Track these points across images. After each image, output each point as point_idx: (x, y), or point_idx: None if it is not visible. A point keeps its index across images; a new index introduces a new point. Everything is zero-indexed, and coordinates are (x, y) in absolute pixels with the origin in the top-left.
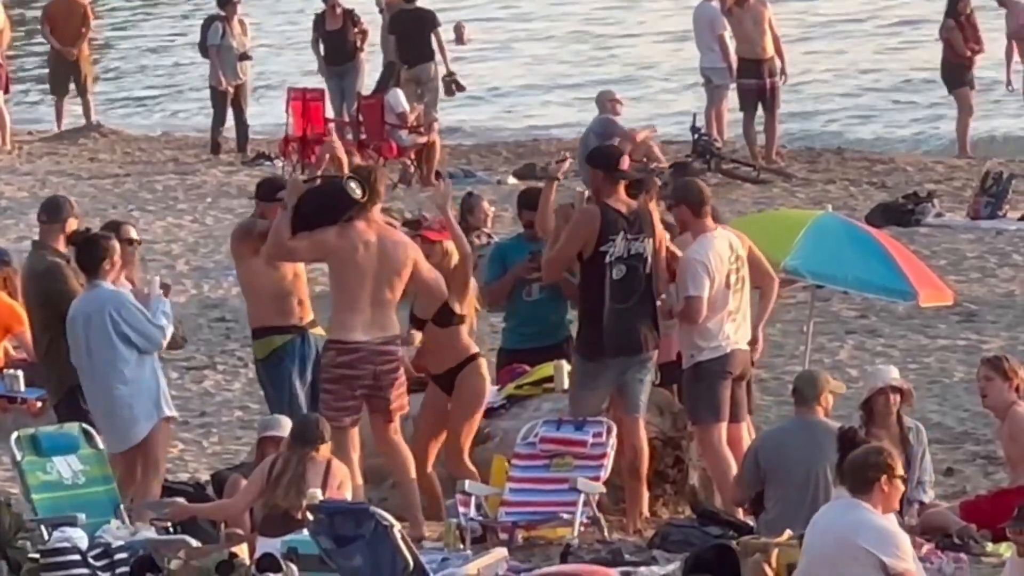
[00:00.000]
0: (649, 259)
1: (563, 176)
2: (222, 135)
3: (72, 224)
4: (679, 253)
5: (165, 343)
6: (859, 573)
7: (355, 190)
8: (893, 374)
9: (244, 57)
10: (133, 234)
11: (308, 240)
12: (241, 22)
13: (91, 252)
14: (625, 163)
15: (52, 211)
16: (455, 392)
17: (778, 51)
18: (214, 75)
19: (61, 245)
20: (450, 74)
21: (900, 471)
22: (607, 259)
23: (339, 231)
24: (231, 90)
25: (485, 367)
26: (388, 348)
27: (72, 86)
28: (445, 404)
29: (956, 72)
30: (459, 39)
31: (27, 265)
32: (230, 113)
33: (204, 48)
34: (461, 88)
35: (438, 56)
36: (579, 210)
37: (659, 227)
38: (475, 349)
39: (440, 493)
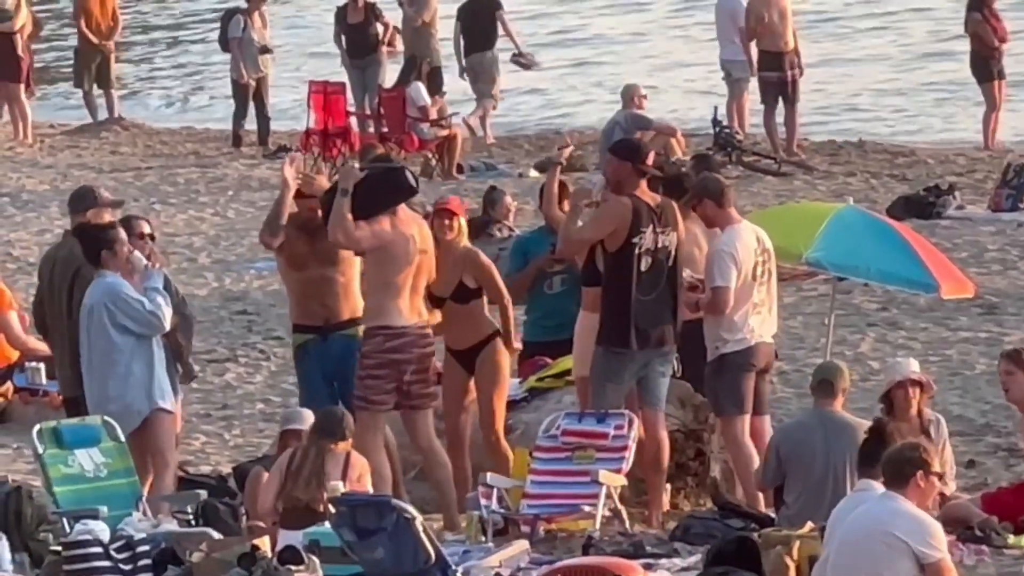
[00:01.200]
0: (673, 252)
1: (566, 161)
2: (243, 128)
3: (99, 216)
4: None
5: (167, 324)
6: (890, 562)
7: (412, 179)
8: (913, 367)
9: (265, 50)
10: (147, 229)
11: (369, 230)
12: (262, 15)
13: (92, 243)
14: (651, 158)
15: (73, 201)
16: (478, 371)
17: (795, 47)
18: (235, 68)
19: None
20: (520, 54)
21: (937, 468)
22: (637, 251)
23: (392, 221)
24: (252, 83)
25: (502, 345)
26: (426, 332)
27: (95, 79)
28: (464, 380)
29: (985, 65)
30: None
31: (53, 255)
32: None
33: (224, 42)
34: (533, 64)
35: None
36: (611, 200)
37: (683, 222)
38: (494, 327)
39: (468, 475)
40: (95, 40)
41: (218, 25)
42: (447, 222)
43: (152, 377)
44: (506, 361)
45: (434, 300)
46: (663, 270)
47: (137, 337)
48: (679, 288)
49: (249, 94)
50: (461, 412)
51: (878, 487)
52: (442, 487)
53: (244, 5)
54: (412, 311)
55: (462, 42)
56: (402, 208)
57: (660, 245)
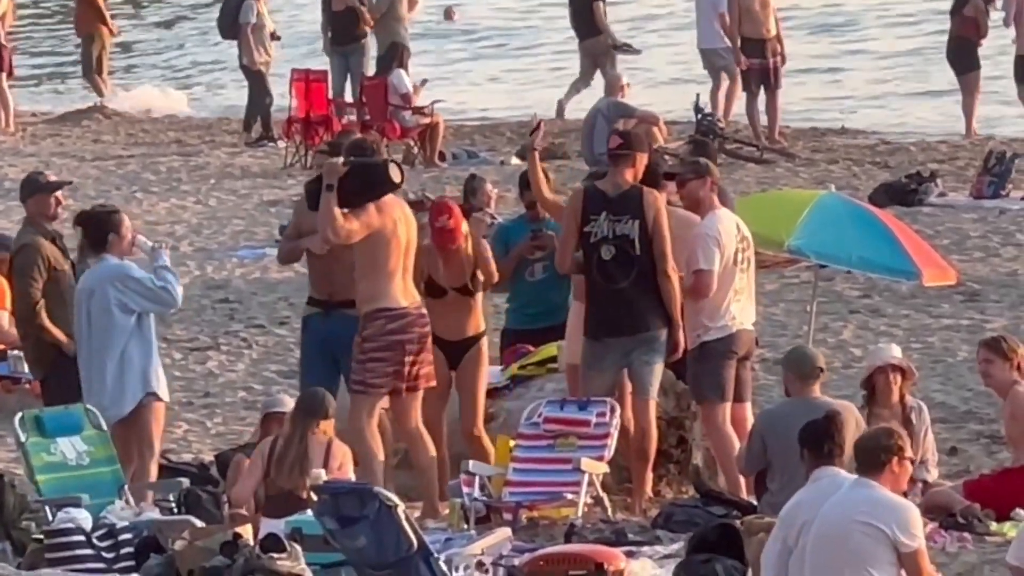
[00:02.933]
0: (637, 240)
1: (539, 145)
2: (254, 114)
3: (46, 200)
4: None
5: (179, 299)
6: (870, 551)
7: (396, 173)
8: (894, 352)
9: (274, 37)
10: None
11: (358, 221)
12: (265, 2)
13: (96, 228)
14: (613, 142)
15: (21, 189)
16: (463, 366)
17: (778, 35)
18: (248, 54)
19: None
20: (616, 44)
21: (909, 453)
22: (591, 239)
23: (378, 208)
24: (264, 68)
25: (486, 346)
26: (423, 312)
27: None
28: (445, 372)
29: (968, 52)
30: (448, 17)
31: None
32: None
33: (225, 28)
34: (633, 50)
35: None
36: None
37: (655, 210)
38: (484, 326)
39: (448, 466)
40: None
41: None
42: (449, 238)
43: (149, 362)
44: (486, 363)
45: (435, 290)
46: (631, 258)
47: (137, 321)
48: (663, 278)
49: (264, 78)
50: (439, 401)
51: (841, 474)
52: (426, 473)
53: None
54: (407, 292)
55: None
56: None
57: (618, 233)
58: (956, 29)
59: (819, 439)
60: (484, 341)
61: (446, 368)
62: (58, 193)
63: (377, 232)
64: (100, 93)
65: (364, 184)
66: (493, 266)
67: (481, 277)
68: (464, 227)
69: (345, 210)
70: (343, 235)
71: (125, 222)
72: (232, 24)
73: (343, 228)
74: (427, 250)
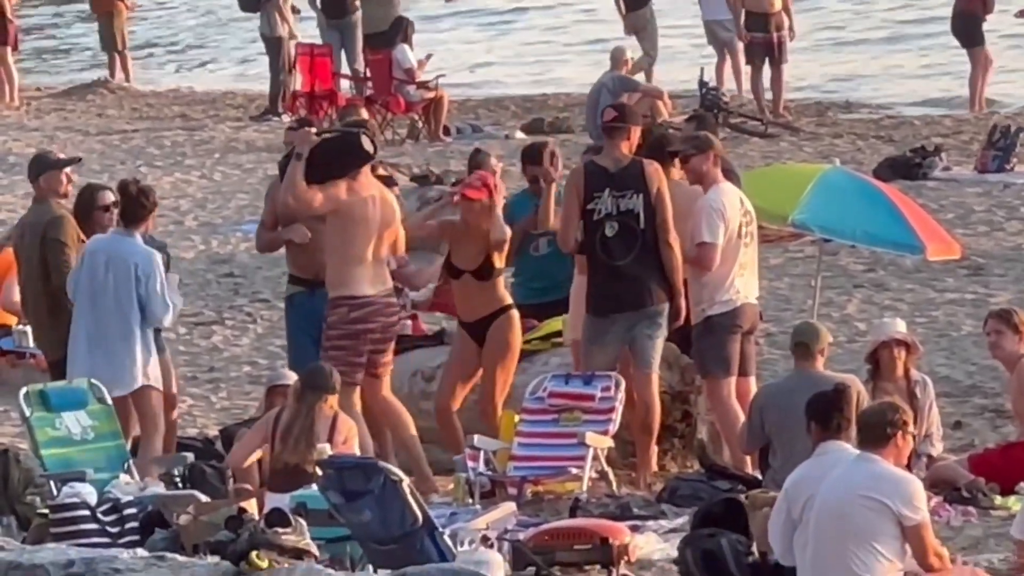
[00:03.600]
0: (641, 214)
1: (555, 177)
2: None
3: (57, 178)
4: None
5: (166, 322)
6: (875, 526)
7: (368, 144)
8: (898, 327)
9: (294, 10)
10: (110, 199)
11: (323, 193)
12: None
13: (137, 203)
14: (608, 115)
15: (31, 166)
16: (488, 343)
17: (786, 7)
18: (271, 26)
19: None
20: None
21: (912, 428)
22: (595, 216)
23: (349, 185)
24: (289, 40)
25: (517, 319)
26: (391, 301)
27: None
28: (474, 353)
29: (973, 28)
30: None
31: (22, 221)
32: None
33: (245, 2)
34: None
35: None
36: (571, 171)
37: (657, 181)
38: (508, 300)
39: (462, 440)
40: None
41: None
42: (468, 205)
43: (148, 354)
44: (517, 336)
45: (452, 271)
46: (635, 233)
47: (142, 310)
48: (666, 248)
49: (287, 51)
50: (459, 384)
51: (847, 448)
52: (408, 446)
53: None
54: (376, 279)
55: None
56: (364, 174)
57: (622, 208)
58: (962, 4)
59: (827, 412)
60: (507, 316)
61: (475, 349)
62: (67, 170)
63: (344, 212)
64: (125, 74)
65: (337, 155)
66: (505, 249)
67: (497, 264)
68: (489, 204)
69: (313, 184)
70: (303, 202)
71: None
72: None
73: (304, 195)
74: (448, 227)
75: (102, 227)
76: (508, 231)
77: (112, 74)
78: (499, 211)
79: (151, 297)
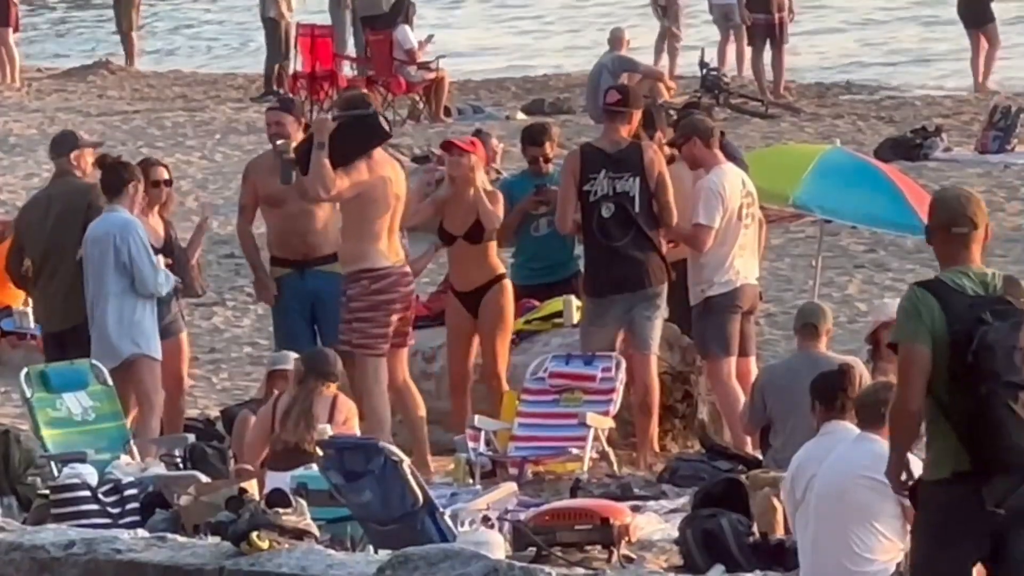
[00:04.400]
0: (637, 197)
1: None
2: (276, 73)
3: (82, 157)
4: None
5: (161, 292)
6: (876, 506)
7: (386, 124)
8: None
9: None
10: (165, 175)
11: (348, 178)
12: None
13: (116, 175)
14: (611, 97)
15: (56, 145)
16: (482, 313)
17: None
18: (272, 8)
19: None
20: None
21: None
22: (591, 198)
23: (368, 164)
24: (289, 24)
25: (510, 287)
26: (407, 271)
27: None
28: (470, 323)
29: (983, 5)
30: None
31: (48, 194)
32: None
33: None
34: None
35: None
36: (568, 154)
37: (655, 164)
38: (501, 269)
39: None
40: None
41: None
42: (453, 157)
43: (143, 322)
44: (510, 304)
45: (445, 237)
46: (630, 215)
47: (132, 279)
48: (667, 228)
49: (283, 35)
50: (467, 356)
51: (851, 428)
52: (415, 427)
53: None
54: (391, 251)
55: None
56: (377, 150)
57: (618, 190)
58: None
59: (831, 392)
60: (500, 286)
61: (469, 319)
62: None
63: (366, 191)
64: (130, 56)
65: (356, 137)
66: (494, 215)
67: (488, 226)
68: (477, 164)
69: (337, 169)
70: (334, 193)
71: (140, 178)
72: None
73: (334, 184)
74: (441, 201)
75: (152, 202)
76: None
77: (130, 58)
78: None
79: (134, 262)
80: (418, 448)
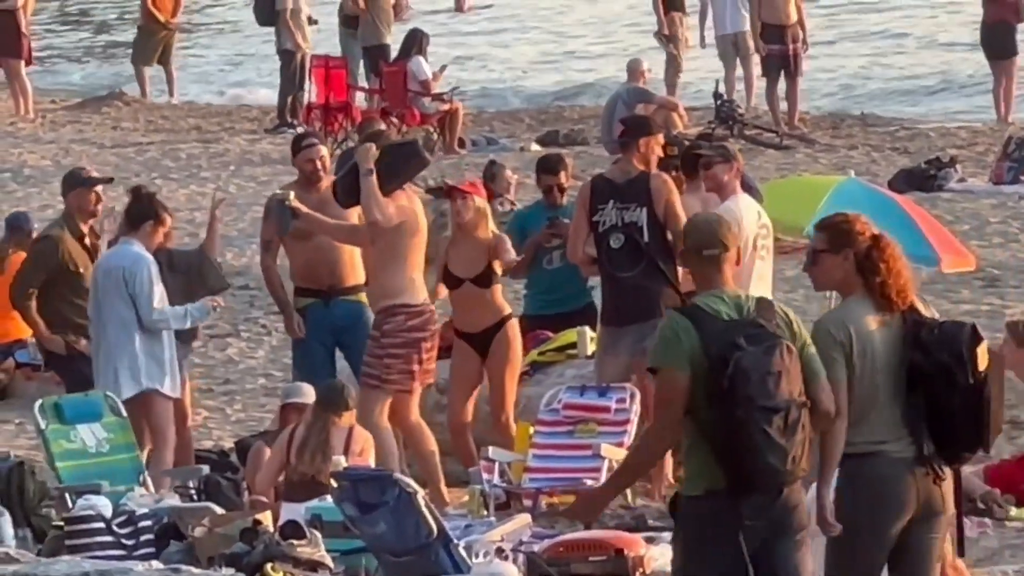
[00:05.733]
0: (645, 227)
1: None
2: (289, 104)
3: (87, 194)
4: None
5: (157, 325)
6: None
7: (425, 150)
8: None
9: (311, 21)
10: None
11: (394, 205)
12: None
13: (138, 209)
14: (618, 130)
15: (64, 182)
16: (492, 355)
17: (801, 21)
18: (289, 39)
19: (79, 218)
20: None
21: None
22: (600, 228)
23: (407, 195)
24: (307, 54)
25: (517, 327)
26: (433, 308)
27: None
28: (477, 364)
29: (1007, 37)
30: (458, 8)
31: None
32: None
33: (264, 15)
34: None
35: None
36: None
37: (663, 194)
38: (508, 310)
39: (475, 455)
40: (161, 18)
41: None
42: (460, 202)
43: (151, 358)
44: (519, 344)
45: (451, 280)
46: (639, 246)
47: (138, 315)
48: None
49: (301, 65)
50: (468, 398)
51: None
52: (429, 461)
53: None
54: (422, 288)
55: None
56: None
57: (626, 221)
58: (993, 14)
59: None
60: (509, 326)
61: (477, 360)
62: (98, 189)
63: (406, 221)
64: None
65: (398, 166)
66: (511, 255)
67: (497, 269)
68: (483, 206)
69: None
70: (388, 218)
71: (164, 217)
72: (270, 11)
73: (387, 211)
74: (446, 241)
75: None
76: (511, 250)
77: (171, 87)
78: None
79: (136, 298)
80: (432, 482)
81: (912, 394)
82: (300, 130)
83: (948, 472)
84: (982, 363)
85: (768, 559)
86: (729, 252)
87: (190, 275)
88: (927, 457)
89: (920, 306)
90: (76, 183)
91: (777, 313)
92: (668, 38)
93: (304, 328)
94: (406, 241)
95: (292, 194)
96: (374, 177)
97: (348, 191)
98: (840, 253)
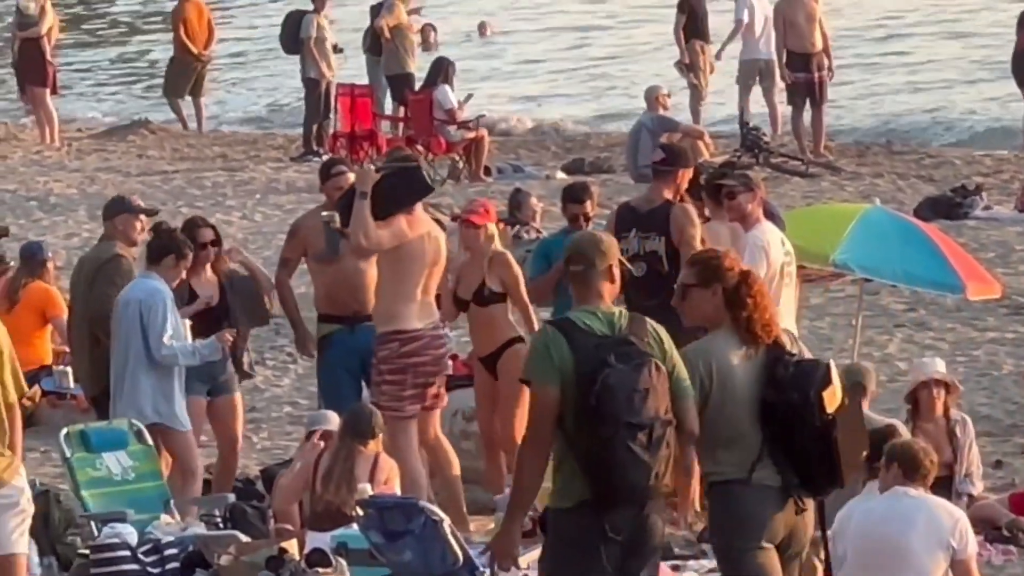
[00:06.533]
0: (664, 256)
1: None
2: (315, 132)
3: (130, 222)
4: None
5: (166, 360)
6: (923, 559)
7: (428, 177)
8: (938, 367)
9: (337, 50)
10: (210, 236)
11: (388, 230)
12: (327, 15)
13: (159, 243)
14: (656, 157)
15: (106, 208)
16: (499, 379)
17: (826, 48)
18: (313, 68)
19: (119, 244)
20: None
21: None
22: (623, 256)
23: (408, 220)
24: (330, 83)
25: (524, 351)
26: (439, 332)
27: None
28: (492, 386)
29: None
30: (482, 33)
31: (85, 256)
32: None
33: (289, 44)
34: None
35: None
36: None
37: (680, 224)
38: (515, 333)
39: (504, 479)
40: (194, 49)
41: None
42: (473, 232)
43: (159, 394)
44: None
45: (459, 303)
46: (660, 275)
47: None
48: None
49: (324, 94)
50: (492, 416)
51: (896, 489)
52: (450, 485)
53: (310, 7)
54: (424, 313)
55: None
56: (418, 208)
57: (648, 250)
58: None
59: (875, 453)
60: (514, 350)
61: (491, 382)
62: (143, 218)
63: (404, 247)
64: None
65: (398, 189)
66: (517, 279)
67: (496, 288)
68: (493, 232)
69: (378, 220)
70: (375, 242)
71: (186, 252)
72: (294, 40)
73: (375, 234)
74: (457, 265)
75: (200, 262)
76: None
77: (200, 119)
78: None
79: (148, 332)
80: (454, 506)
81: (768, 428)
82: (326, 158)
83: (810, 503)
84: (830, 405)
85: (627, 573)
86: (595, 269)
87: (250, 300)
88: (790, 487)
89: (786, 341)
90: (123, 208)
91: (649, 331)
92: (689, 67)
93: (328, 354)
94: (404, 266)
95: (337, 215)
96: (367, 200)
97: (347, 213)
98: (709, 288)
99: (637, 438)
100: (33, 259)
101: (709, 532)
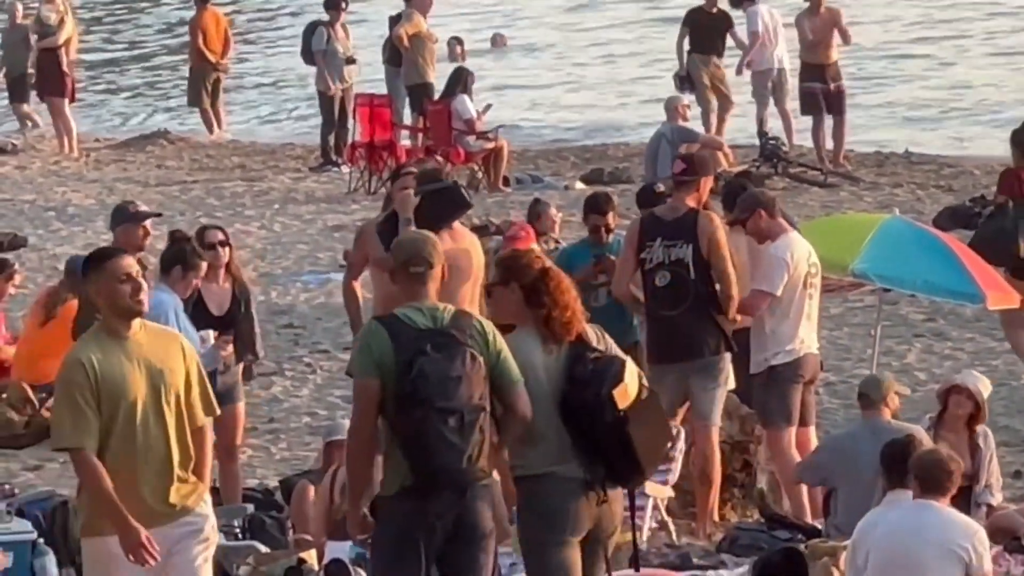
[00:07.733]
0: (691, 265)
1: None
2: (331, 142)
3: (134, 229)
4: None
5: None
6: (943, 572)
7: (466, 194)
8: (980, 384)
9: (350, 61)
10: (219, 236)
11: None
12: (344, 26)
13: (171, 253)
14: (677, 168)
15: (112, 216)
16: None
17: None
18: (322, 80)
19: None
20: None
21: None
22: (647, 266)
23: (450, 235)
24: (339, 95)
25: None
26: None
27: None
28: None
29: None
30: (495, 44)
31: None
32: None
33: (307, 55)
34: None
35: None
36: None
37: (709, 233)
38: None
39: None
40: (212, 58)
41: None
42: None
43: None
44: None
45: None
46: (686, 283)
47: None
48: (725, 298)
49: (336, 106)
50: None
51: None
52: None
53: (326, 17)
54: None
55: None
56: (456, 223)
57: (673, 258)
58: None
59: (897, 462)
60: None
61: None
62: (147, 223)
63: (451, 260)
64: (218, 123)
65: (438, 208)
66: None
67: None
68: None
69: None
70: None
71: (196, 262)
72: (309, 51)
73: None
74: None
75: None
76: None
77: (219, 125)
78: None
79: None
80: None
81: (569, 424)
82: (345, 168)
83: (615, 494)
84: (622, 401)
85: (451, 559)
86: (433, 269)
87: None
88: (593, 480)
89: (592, 338)
90: (124, 219)
91: (474, 325)
92: (686, 80)
93: None
94: (450, 280)
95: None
96: (412, 226)
97: (388, 239)
98: (508, 286)
99: (447, 422)
100: (75, 274)
101: (517, 525)
